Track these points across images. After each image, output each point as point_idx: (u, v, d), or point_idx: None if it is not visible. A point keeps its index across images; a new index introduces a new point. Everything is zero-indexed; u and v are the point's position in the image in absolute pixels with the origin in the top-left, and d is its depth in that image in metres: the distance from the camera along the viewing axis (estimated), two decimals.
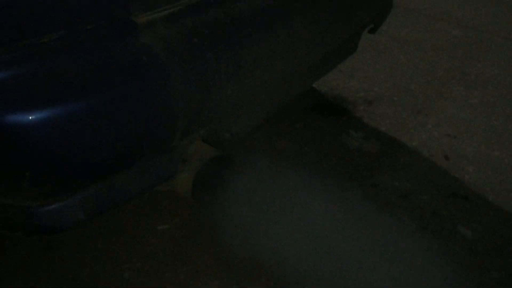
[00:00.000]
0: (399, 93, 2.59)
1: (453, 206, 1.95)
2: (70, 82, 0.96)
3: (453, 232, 1.85)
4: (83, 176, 1.04)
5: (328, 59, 1.63)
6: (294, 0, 1.35)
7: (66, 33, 0.99)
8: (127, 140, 1.04)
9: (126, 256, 1.65)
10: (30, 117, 0.91)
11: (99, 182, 1.07)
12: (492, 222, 1.89)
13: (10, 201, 1.01)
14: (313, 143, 2.21)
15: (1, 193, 0.99)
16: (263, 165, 2.03)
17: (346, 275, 1.62)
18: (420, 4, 3.63)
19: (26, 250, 1.63)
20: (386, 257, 1.70)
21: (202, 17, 1.14)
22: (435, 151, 2.22)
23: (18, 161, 0.92)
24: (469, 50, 3.02)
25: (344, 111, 2.45)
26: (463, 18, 3.36)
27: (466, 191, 2.02)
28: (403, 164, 2.14)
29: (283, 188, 1.95)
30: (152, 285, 1.56)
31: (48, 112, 0.94)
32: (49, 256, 1.61)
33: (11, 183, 0.95)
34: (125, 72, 1.01)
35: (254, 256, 1.68)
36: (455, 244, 1.79)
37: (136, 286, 1.55)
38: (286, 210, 1.87)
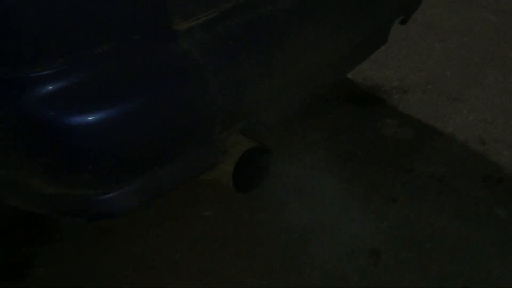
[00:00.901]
0: (434, 80, 2.63)
1: (488, 189, 2.00)
2: (122, 87, 1.10)
3: (488, 214, 1.90)
4: (135, 169, 1.18)
5: (357, 51, 1.71)
6: None
7: (117, 43, 1.13)
8: (171, 136, 1.17)
9: (176, 240, 1.80)
10: (91, 118, 1.05)
11: (149, 173, 1.21)
12: None
13: (73, 191, 1.16)
14: (347, 132, 2.29)
15: (66, 184, 1.15)
16: (300, 155, 2.15)
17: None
18: None
19: (84, 237, 1.80)
20: (416, 240, 1.79)
21: (235, 21, 1.26)
22: (471, 136, 2.27)
23: (81, 156, 1.07)
24: (506, 35, 3.01)
25: (378, 100, 2.51)
26: (500, 3, 3.33)
27: (501, 174, 2.07)
28: (438, 150, 2.20)
29: (319, 176, 2.06)
30: (201, 265, 1.71)
31: (105, 114, 1.08)
32: (107, 242, 1.78)
33: (75, 175, 1.10)
34: (168, 75, 1.15)
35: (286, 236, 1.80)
36: (490, 225, 1.85)
37: (186, 266, 1.70)
38: (324, 196, 1.98)
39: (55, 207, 1.20)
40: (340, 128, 2.33)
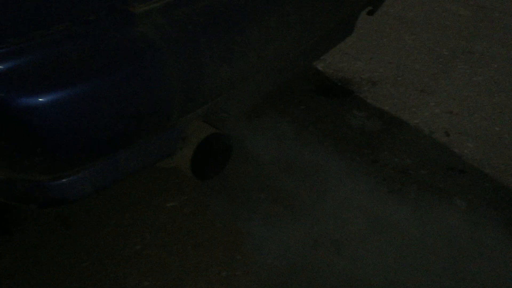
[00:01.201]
0: (403, 73, 2.65)
1: (450, 179, 2.02)
2: (75, 68, 1.07)
3: (449, 203, 1.92)
4: (88, 153, 1.15)
5: (323, 41, 1.71)
6: None
7: (70, 24, 1.10)
8: (127, 120, 1.15)
9: (138, 231, 1.78)
10: (40, 100, 1.03)
11: (104, 158, 1.19)
12: (488, 194, 1.96)
13: (25, 176, 1.14)
14: (316, 123, 2.30)
15: (16, 169, 1.12)
16: (268, 146, 2.14)
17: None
18: None
19: (44, 228, 1.77)
20: (377, 229, 1.80)
21: (195, 6, 1.24)
22: (436, 128, 2.29)
23: (30, 139, 1.04)
24: (476, 29, 3.04)
25: (348, 92, 2.52)
26: None
27: (464, 166, 2.09)
28: (403, 141, 2.21)
29: (285, 166, 2.06)
30: (161, 256, 1.69)
31: (56, 95, 1.05)
32: (66, 233, 1.75)
33: (24, 159, 1.07)
34: (123, 58, 1.12)
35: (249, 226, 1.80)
36: (450, 214, 1.87)
37: (147, 257, 1.68)
38: (288, 186, 1.97)
39: (5, 193, 1.17)
40: (309, 120, 2.33)
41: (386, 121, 2.33)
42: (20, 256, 1.68)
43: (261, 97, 1.58)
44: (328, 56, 2.73)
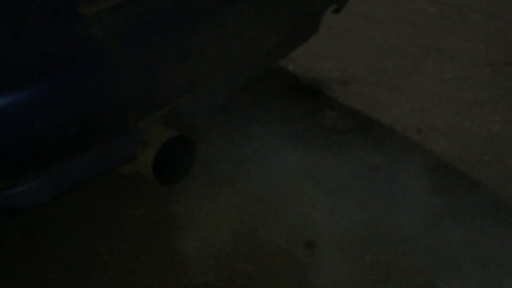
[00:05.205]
0: (373, 72, 2.65)
1: (423, 177, 2.01)
2: (19, 71, 1.03)
3: (422, 202, 1.91)
4: (41, 160, 1.11)
5: (285, 40, 1.69)
6: None
7: (17, 25, 1.06)
8: (79, 124, 1.11)
9: (105, 240, 1.73)
10: None
11: (58, 165, 1.14)
12: (460, 190, 1.96)
13: None
14: (287, 125, 2.27)
15: None
16: (238, 148, 2.11)
17: None
18: None
19: (4, 240, 1.71)
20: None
21: (147, 6, 1.20)
22: (408, 126, 2.28)
23: None
24: (445, 26, 3.06)
25: (319, 92, 2.50)
26: None
27: (436, 163, 2.09)
28: (375, 140, 2.20)
29: (255, 169, 2.03)
30: (129, 265, 1.64)
31: (2, 100, 1.01)
32: (28, 244, 1.69)
33: None
34: (71, 59, 1.09)
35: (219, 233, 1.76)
36: (423, 212, 1.86)
37: (113, 267, 1.63)
38: (258, 190, 1.94)
39: None
40: (280, 121, 2.30)
41: (357, 120, 2.32)
42: None
43: (222, 99, 1.55)
44: (298, 56, 2.71)
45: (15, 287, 1.58)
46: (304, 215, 1.84)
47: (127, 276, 1.62)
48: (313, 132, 2.23)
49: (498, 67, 2.67)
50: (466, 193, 1.95)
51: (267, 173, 2.01)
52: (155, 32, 1.18)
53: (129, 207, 1.84)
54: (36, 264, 1.63)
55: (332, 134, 2.23)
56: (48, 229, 1.74)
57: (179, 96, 1.30)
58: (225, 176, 1.97)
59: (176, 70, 1.23)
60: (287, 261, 1.70)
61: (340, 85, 2.56)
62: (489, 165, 2.08)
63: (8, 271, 1.62)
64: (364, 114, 2.36)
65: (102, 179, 1.81)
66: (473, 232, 1.80)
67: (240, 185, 1.95)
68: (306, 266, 1.68)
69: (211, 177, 1.97)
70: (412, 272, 1.68)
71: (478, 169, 2.05)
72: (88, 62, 1.09)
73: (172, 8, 1.23)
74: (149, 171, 1.33)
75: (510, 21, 3.10)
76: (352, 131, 2.25)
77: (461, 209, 1.89)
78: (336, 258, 1.70)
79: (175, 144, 1.35)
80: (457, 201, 1.91)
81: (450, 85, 2.54)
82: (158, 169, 1.34)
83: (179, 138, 1.36)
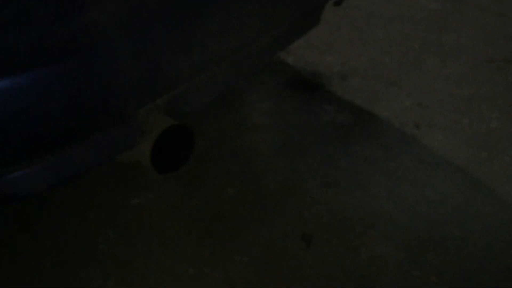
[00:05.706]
0: (373, 66, 2.64)
1: (420, 171, 2.01)
2: (21, 57, 1.02)
3: (419, 196, 1.91)
4: (40, 147, 1.10)
5: (286, 33, 1.68)
6: None
7: (17, 12, 1.05)
8: (80, 111, 1.10)
9: (102, 230, 1.72)
10: None
11: (57, 153, 1.13)
12: (456, 185, 1.96)
13: None
14: (286, 117, 2.27)
15: None
16: (237, 140, 2.10)
17: None
18: None
19: (3, 231, 1.70)
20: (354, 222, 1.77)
21: None
22: (406, 121, 2.28)
23: None
24: (446, 22, 3.05)
25: (318, 86, 2.50)
26: None
27: (433, 158, 2.09)
28: (374, 134, 2.20)
29: (254, 161, 2.03)
30: (125, 256, 1.64)
31: (3, 84, 1.00)
32: (27, 236, 1.69)
33: None
34: (73, 46, 1.08)
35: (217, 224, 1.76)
36: (420, 207, 1.86)
37: (110, 257, 1.63)
38: (258, 181, 1.94)
39: None
40: (279, 114, 2.30)
41: (356, 114, 2.31)
42: None
43: (221, 90, 1.54)
44: (298, 49, 2.71)
45: (12, 277, 1.57)
46: (302, 207, 1.84)
47: (123, 267, 1.62)
48: (312, 126, 2.23)
49: (498, 64, 2.67)
50: (460, 188, 1.95)
51: (263, 166, 2.01)
52: (157, 20, 1.17)
53: (126, 196, 1.83)
54: (32, 254, 1.63)
55: (331, 128, 2.22)
56: (46, 219, 1.73)
57: (179, 84, 1.30)
58: (223, 168, 1.97)
59: (179, 58, 1.22)
60: (283, 253, 1.70)
61: (339, 79, 2.56)
62: (487, 161, 2.08)
63: (3, 261, 1.61)
64: (363, 108, 2.36)
65: (99, 168, 1.81)
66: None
67: (237, 177, 1.95)
68: (301, 259, 1.68)
69: (208, 168, 1.96)
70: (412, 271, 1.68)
71: (475, 165, 2.05)
72: (88, 49, 1.08)
73: None
74: (147, 159, 1.32)
75: (510, 18, 3.10)
76: (351, 125, 2.25)
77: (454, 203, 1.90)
78: (332, 250, 1.70)
79: (173, 133, 1.35)
80: (452, 196, 1.92)
81: (450, 81, 2.54)
82: (156, 158, 1.34)
83: (177, 126, 1.35)
